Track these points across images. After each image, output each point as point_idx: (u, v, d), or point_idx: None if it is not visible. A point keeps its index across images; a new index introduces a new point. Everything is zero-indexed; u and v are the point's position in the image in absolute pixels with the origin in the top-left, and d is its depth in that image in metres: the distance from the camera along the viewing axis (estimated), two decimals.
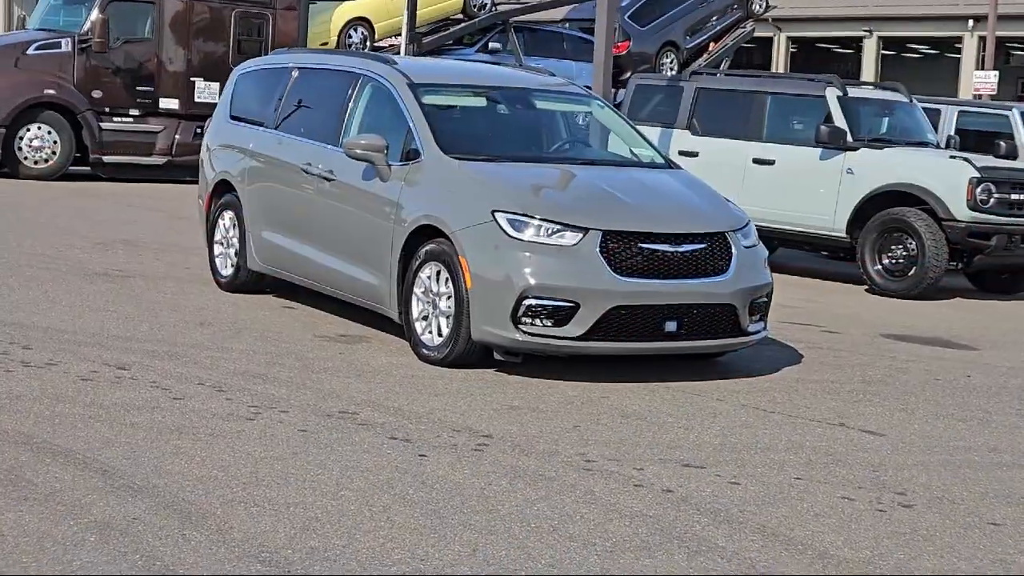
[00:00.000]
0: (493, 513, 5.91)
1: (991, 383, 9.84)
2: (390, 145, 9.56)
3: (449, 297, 8.89)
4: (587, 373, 8.93)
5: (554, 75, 11.41)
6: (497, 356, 8.87)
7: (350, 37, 24.77)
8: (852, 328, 11.97)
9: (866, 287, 14.51)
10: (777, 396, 8.80)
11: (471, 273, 8.71)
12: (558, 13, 28.89)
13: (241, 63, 12.76)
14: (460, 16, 26.37)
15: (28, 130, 21.08)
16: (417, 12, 24.39)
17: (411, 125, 9.60)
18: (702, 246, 8.97)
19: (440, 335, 8.98)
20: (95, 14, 21.51)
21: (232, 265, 11.37)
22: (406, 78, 9.94)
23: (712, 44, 29.99)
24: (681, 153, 15.76)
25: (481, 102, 10.25)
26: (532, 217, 8.71)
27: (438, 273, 8.98)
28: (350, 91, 10.33)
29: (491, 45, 25.83)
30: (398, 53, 23.05)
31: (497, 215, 8.74)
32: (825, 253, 15.46)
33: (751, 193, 15.19)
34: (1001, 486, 6.98)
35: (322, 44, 24.08)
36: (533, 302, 8.56)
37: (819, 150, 14.70)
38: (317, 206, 10.29)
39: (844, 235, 14.62)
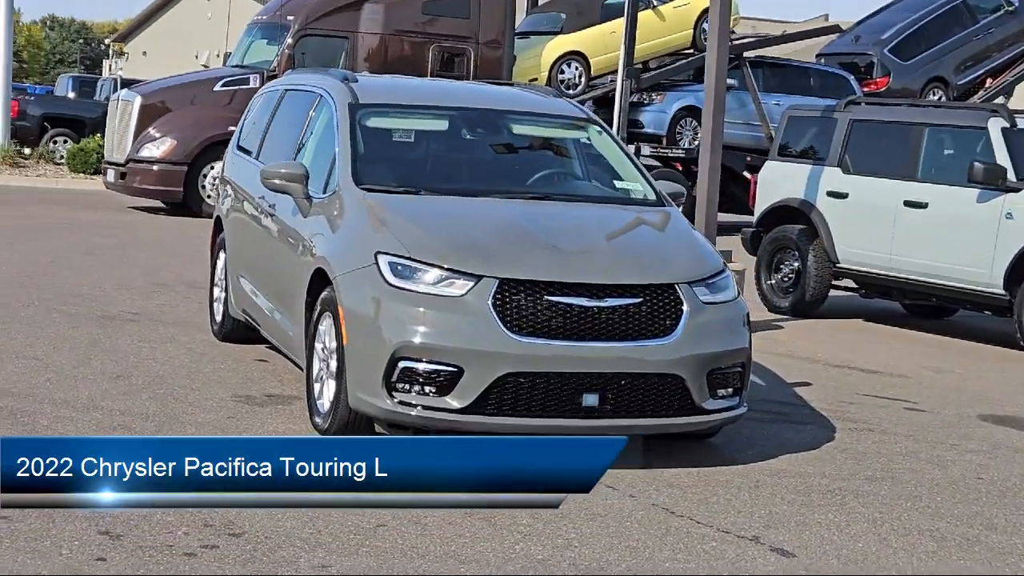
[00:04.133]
0: None
1: None
2: (315, 175, 8.17)
3: (335, 354, 7.40)
4: None
5: (560, 97, 9.59)
6: (379, 429, 7.30)
7: (563, 72, 23.33)
8: (951, 407, 9.74)
9: None
10: (718, 494, 6.89)
11: (346, 327, 7.19)
12: (806, 49, 26.94)
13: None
14: (690, 51, 24.52)
15: (212, 168, 20.58)
16: (639, 46, 22.74)
17: (336, 151, 8.17)
18: (634, 300, 7.12)
19: (329, 400, 7.48)
20: (283, 49, 20.95)
21: (222, 311, 10.16)
22: (351, 97, 8.49)
23: (989, 80, 27.29)
24: (830, 194, 13.67)
25: (440, 126, 8.64)
26: (416, 261, 7.11)
27: (331, 326, 7.50)
28: (310, 114, 8.98)
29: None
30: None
31: (380, 257, 7.19)
32: (988, 312, 13.00)
33: (902, 241, 13.00)
34: None
35: (531, 80, 22.77)
36: (409, 364, 6.95)
37: (976, 191, 12.37)
38: (262, 244, 8.99)
39: (1002, 292, 12.22)
